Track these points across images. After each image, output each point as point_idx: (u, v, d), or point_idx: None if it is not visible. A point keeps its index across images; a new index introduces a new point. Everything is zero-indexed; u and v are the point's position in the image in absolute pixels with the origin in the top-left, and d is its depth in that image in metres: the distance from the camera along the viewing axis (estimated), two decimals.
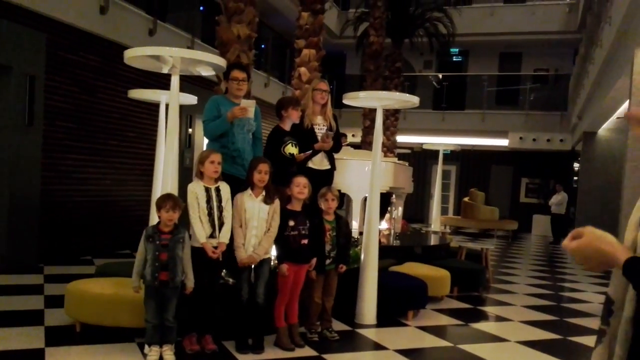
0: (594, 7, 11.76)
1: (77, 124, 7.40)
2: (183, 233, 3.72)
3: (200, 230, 3.84)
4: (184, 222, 3.84)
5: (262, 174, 3.97)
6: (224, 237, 3.92)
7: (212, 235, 3.89)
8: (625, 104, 7.62)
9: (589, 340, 4.97)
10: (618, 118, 10.68)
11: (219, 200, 3.94)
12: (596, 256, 1.22)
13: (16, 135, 6.29)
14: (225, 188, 4.01)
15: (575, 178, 16.39)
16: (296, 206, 4.18)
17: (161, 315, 3.65)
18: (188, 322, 3.92)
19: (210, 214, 3.89)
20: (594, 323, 5.70)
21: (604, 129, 12.39)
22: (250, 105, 4.48)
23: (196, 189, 3.91)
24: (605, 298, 1.32)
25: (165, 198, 3.73)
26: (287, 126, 4.99)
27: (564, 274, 9.41)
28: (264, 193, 4.01)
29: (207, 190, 3.92)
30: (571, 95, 16.05)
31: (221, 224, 3.92)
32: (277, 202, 4.08)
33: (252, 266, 4.01)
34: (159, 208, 3.68)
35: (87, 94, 7.55)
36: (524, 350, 4.57)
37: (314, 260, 4.25)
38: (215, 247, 3.87)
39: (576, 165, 16.51)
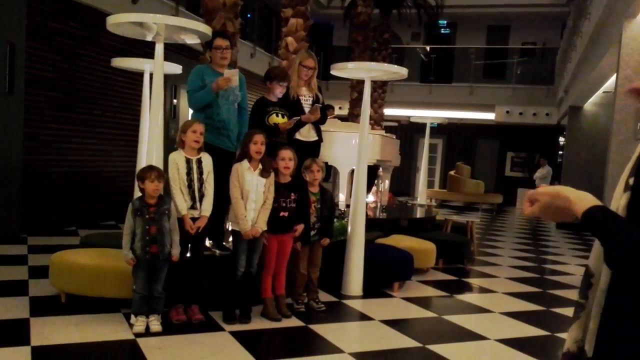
0: None
1: (60, 93, 7.26)
2: (168, 204, 3.69)
3: (181, 202, 3.80)
4: (168, 192, 3.80)
5: (259, 144, 3.91)
6: (205, 210, 3.89)
7: (192, 207, 3.85)
8: (613, 78, 7.63)
9: (571, 312, 5.01)
10: (605, 92, 10.71)
11: (200, 172, 3.88)
12: (557, 213, 1.22)
13: None
14: (207, 159, 3.95)
15: (561, 152, 16.50)
16: (281, 178, 4.14)
17: (150, 286, 3.64)
18: (175, 292, 3.91)
19: (190, 186, 3.85)
20: (577, 295, 5.78)
21: (590, 103, 12.43)
22: (233, 75, 4.40)
23: (177, 158, 3.85)
24: (585, 270, 1.30)
25: (149, 169, 3.69)
26: (271, 97, 4.92)
27: (547, 246, 9.54)
28: (260, 166, 3.97)
29: (188, 161, 3.86)
30: (558, 69, 16.04)
31: (201, 196, 3.88)
32: (272, 175, 4.04)
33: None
34: (142, 180, 3.62)
35: (69, 63, 7.39)
36: (507, 321, 4.64)
37: (300, 227, 4.24)
38: (196, 219, 3.84)
39: (562, 140, 16.60)
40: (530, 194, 1.26)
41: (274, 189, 4.07)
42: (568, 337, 1.33)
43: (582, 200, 1.16)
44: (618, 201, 1.21)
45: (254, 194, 3.94)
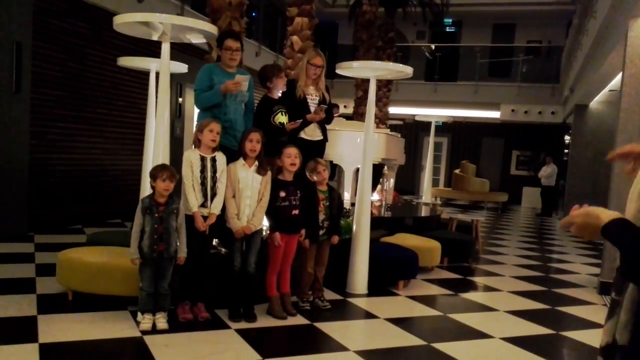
0: None
1: (66, 92, 7.29)
2: (177, 203, 3.71)
3: (193, 199, 3.82)
4: (178, 191, 3.82)
5: (254, 142, 3.94)
6: (215, 208, 3.90)
7: (203, 205, 3.88)
8: (618, 77, 7.61)
9: (576, 310, 5.05)
10: (610, 91, 10.67)
11: (214, 171, 3.91)
12: (593, 232, 1.26)
13: (3, 103, 6.18)
14: (221, 159, 3.97)
15: (566, 151, 16.45)
16: (287, 176, 4.16)
17: (156, 284, 3.67)
18: (181, 290, 3.93)
19: (203, 184, 3.87)
20: (582, 293, 5.79)
21: (596, 102, 12.38)
22: (244, 80, 4.42)
23: (191, 156, 3.88)
24: (618, 267, 1.32)
25: (162, 168, 3.71)
26: (275, 95, 4.92)
27: (552, 245, 9.52)
28: (257, 163, 3.99)
29: (203, 159, 3.89)
30: (563, 67, 15.99)
31: (213, 195, 3.90)
32: (269, 173, 4.06)
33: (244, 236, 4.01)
34: (154, 178, 3.65)
35: (76, 62, 7.42)
36: (512, 319, 4.64)
37: (304, 230, 4.26)
38: (205, 217, 3.86)
39: (567, 138, 16.56)
40: (565, 220, 1.30)
41: (282, 187, 4.09)
42: (603, 333, 1.36)
43: (608, 216, 1.20)
44: (634, 204, 1.22)
45: (249, 191, 3.96)
